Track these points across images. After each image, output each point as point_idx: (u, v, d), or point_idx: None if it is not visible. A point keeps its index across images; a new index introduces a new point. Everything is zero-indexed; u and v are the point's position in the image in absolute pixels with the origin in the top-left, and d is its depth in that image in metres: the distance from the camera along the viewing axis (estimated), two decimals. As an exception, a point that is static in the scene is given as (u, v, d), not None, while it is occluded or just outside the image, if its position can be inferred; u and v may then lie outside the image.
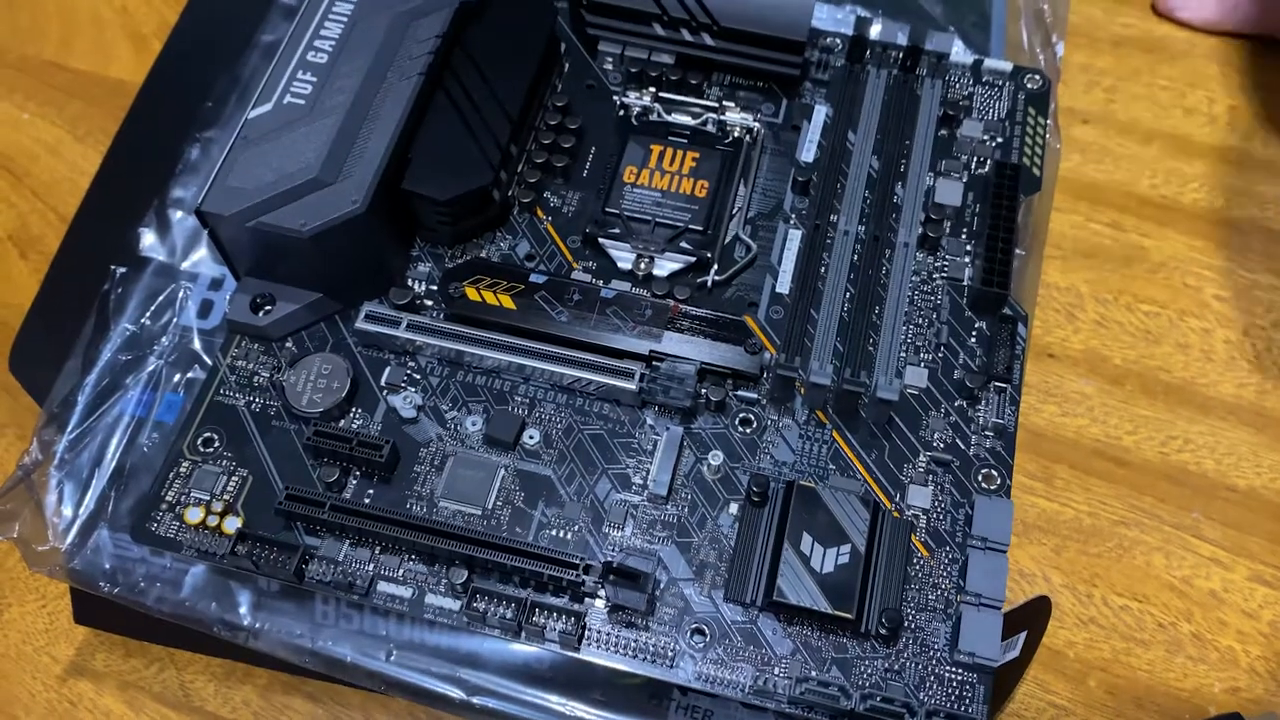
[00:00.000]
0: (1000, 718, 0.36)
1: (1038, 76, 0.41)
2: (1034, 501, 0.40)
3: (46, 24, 0.52)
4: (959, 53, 0.41)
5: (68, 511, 0.34)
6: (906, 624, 0.31)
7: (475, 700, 0.32)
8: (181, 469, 0.33)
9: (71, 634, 0.38)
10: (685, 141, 0.38)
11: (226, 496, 0.33)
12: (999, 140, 0.39)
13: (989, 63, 0.41)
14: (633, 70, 0.40)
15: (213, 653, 0.37)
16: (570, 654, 0.31)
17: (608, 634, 0.31)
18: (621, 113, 0.39)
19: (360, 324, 0.35)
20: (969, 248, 0.37)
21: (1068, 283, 0.44)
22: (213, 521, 0.32)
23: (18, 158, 0.48)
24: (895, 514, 0.33)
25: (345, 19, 0.36)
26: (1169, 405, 0.41)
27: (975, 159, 0.39)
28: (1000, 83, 0.41)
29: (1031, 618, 0.34)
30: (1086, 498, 0.40)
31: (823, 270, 0.36)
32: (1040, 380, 0.42)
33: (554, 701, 0.32)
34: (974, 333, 0.36)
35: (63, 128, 0.49)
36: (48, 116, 0.49)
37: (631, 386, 0.34)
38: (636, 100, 0.39)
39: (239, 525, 0.32)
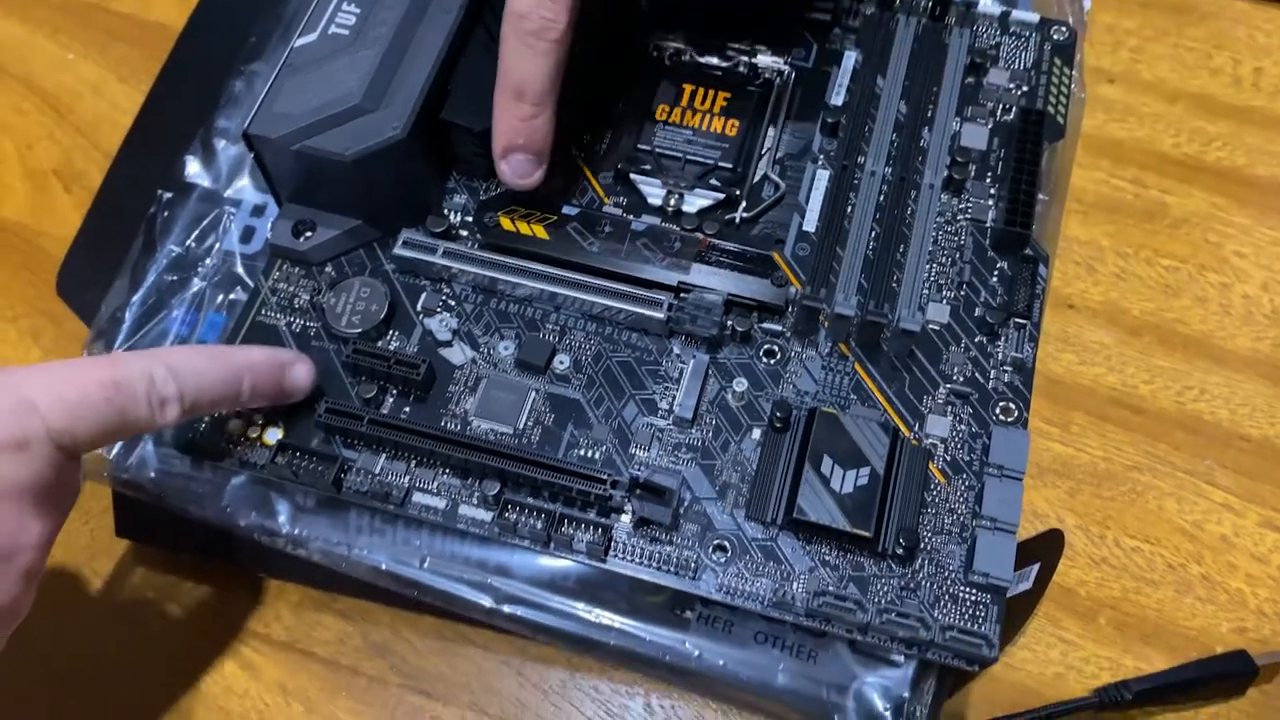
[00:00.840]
0: (1011, 650, 0.37)
1: (1064, 28, 0.41)
2: (1049, 446, 0.41)
3: (90, -34, 0.53)
4: (987, 3, 0.42)
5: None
6: (922, 545, 0.32)
7: (505, 608, 0.33)
8: (224, 383, 0.35)
9: (111, 549, 0.39)
10: (718, 81, 0.39)
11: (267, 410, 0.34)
12: (1024, 89, 0.40)
13: (1016, 14, 0.41)
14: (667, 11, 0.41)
15: (246, 568, 0.38)
16: (597, 564, 0.32)
17: (633, 546, 0.32)
18: (655, 53, 0.40)
19: (398, 249, 0.36)
20: (993, 191, 0.38)
21: (1089, 236, 0.45)
22: (254, 433, 0.34)
23: (62, 96, 0.49)
24: (914, 442, 0.33)
25: (389, -47, 0.37)
26: (1186, 356, 0.42)
27: (1001, 106, 0.40)
28: (1027, 33, 0.41)
29: (1044, 549, 0.35)
30: (1102, 443, 0.41)
31: (849, 210, 0.37)
32: (1059, 330, 0.43)
33: (580, 609, 0.33)
34: (995, 272, 0.36)
35: (106, 68, 0.50)
36: (91, 57, 0.50)
37: (660, 315, 0.35)
38: (670, 42, 0.40)
39: (280, 436, 0.33)
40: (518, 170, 0.35)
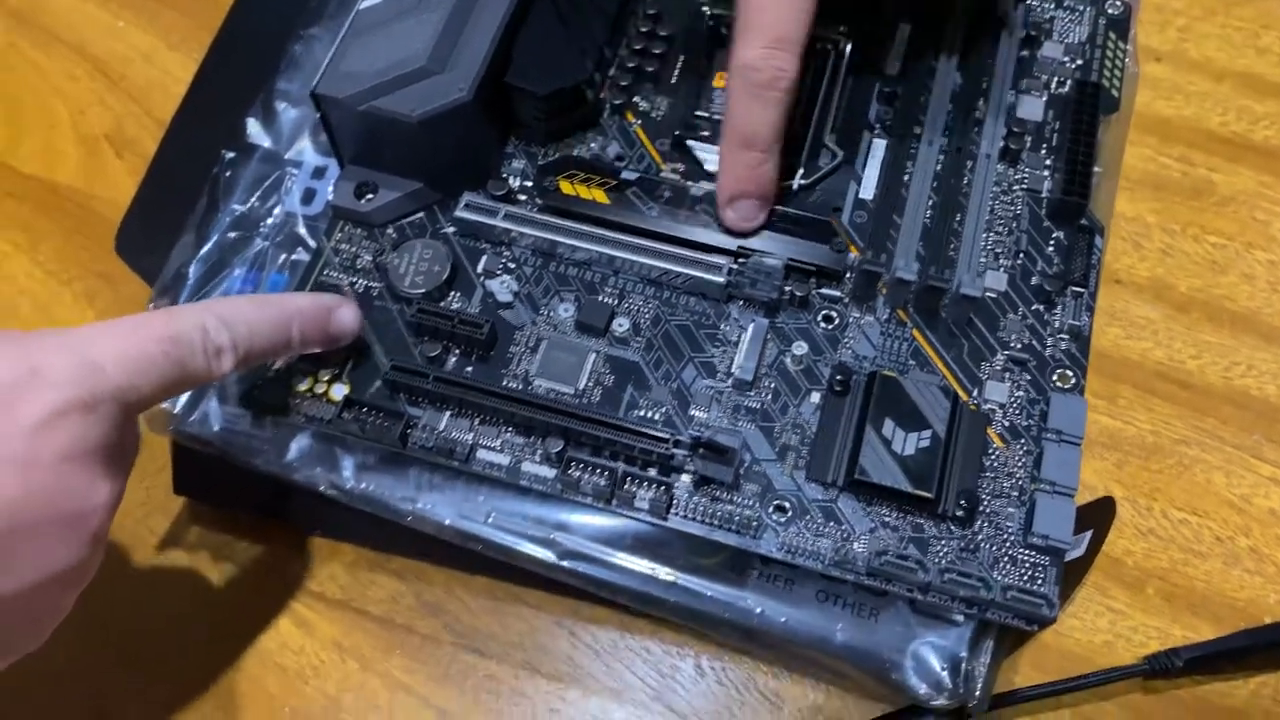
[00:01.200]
0: (1061, 617, 0.37)
1: (1119, 2, 0.41)
2: (1097, 419, 0.41)
3: (140, -64, 0.54)
4: (1042, -23, 0.42)
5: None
6: (982, 508, 0.32)
7: (567, 563, 0.34)
8: (289, 341, 0.35)
9: (168, 508, 0.40)
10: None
11: (333, 367, 0.35)
12: (1079, 62, 0.40)
13: (1072, -13, 0.42)
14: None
15: (302, 527, 0.39)
16: (658, 522, 0.32)
17: (694, 504, 0.33)
18: (711, 23, 0.40)
19: (460, 212, 0.36)
20: (1048, 162, 0.38)
21: (1135, 213, 0.45)
22: (320, 389, 0.34)
23: (113, 63, 0.50)
24: (973, 407, 0.34)
25: (453, -83, 0.37)
26: (1233, 333, 0.42)
27: (1056, 79, 0.40)
28: (1081, 7, 0.41)
29: (1097, 517, 0.36)
30: (1149, 417, 0.41)
31: (906, 179, 0.37)
32: (1106, 304, 0.43)
33: (642, 565, 0.33)
34: (1052, 242, 0.37)
35: (156, 36, 0.51)
36: (141, 25, 0.51)
37: (720, 279, 0.35)
38: (727, 10, 0.40)
39: (346, 392, 0.34)
40: (744, 215, 0.35)
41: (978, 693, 0.32)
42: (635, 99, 0.40)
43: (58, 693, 0.37)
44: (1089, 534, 0.35)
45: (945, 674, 0.32)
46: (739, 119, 0.34)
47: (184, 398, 0.36)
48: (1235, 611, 0.38)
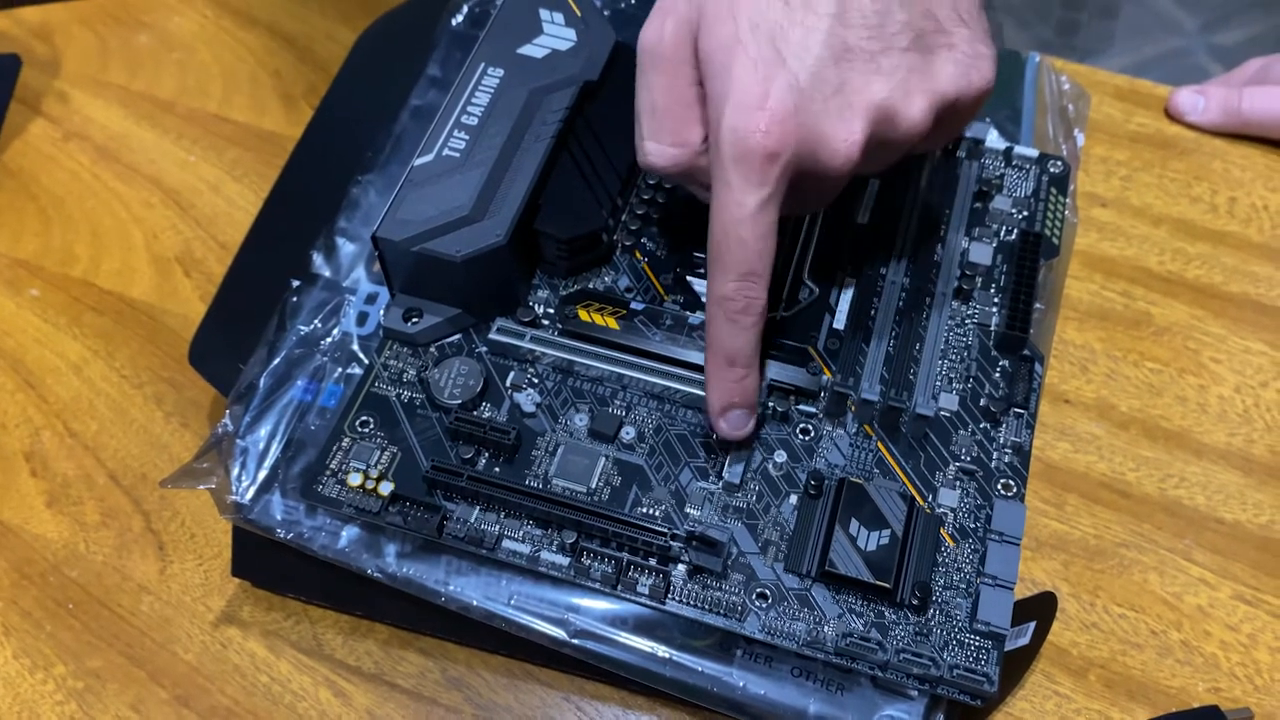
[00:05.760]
0: (1012, 700, 0.42)
1: (1059, 162, 0.48)
2: (1047, 523, 0.45)
3: (210, 83, 0.60)
4: (993, 140, 0.49)
5: (249, 472, 0.42)
6: (934, 597, 0.37)
7: (576, 641, 0.39)
8: (343, 443, 0.41)
9: (223, 589, 0.44)
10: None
11: (380, 466, 0.40)
12: (1025, 213, 0.47)
13: (1018, 149, 0.48)
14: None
15: (343, 609, 0.44)
16: (657, 606, 0.38)
17: (688, 590, 0.38)
18: (709, 176, 0.47)
19: (493, 335, 0.42)
20: (996, 300, 0.44)
21: (1083, 340, 0.50)
22: (370, 485, 0.40)
23: (184, 192, 0.56)
24: (928, 510, 0.39)
25: (492, 90, 0.44)
26: (1168, 448, 0.47)
27: (1004, 228, 0.46)
28: (1027, 166, 0.48)
29: (1039, 609, 0.40)
30: (1093, 522, 0.46)
31: (873, 312, 0.44)
32: (1056, 422, 0.48)
33: (643, 644, 0.38)
34: (998, 369, 0.43)
35: (222, 169, 0.57)
36: (210, 160, 0.57)
37: (712, 396, 0.41)
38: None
39: (392, 488, 0.40)
40: (735, 424, 0.38)
41: (932, 761, 0.37)
42: (643, 239, 0.46)
43: (122, 751, 0.41)
44: (1033, 625, 0.40)
45: (903, 743, 0.37)
46: (721, 342, 0.37)
47: (251, 490, 0.41)
48: (1168, 698, 0.42)
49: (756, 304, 0.36)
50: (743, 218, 0.34)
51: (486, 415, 0.42)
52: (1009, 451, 0.41)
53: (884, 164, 0.39)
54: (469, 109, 0.44)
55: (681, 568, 0.38)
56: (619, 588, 0.38)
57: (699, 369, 0.41)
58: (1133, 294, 0.51)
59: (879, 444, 0.41)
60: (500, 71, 0.45)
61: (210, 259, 0.54)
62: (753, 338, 0.37)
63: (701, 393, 0.41)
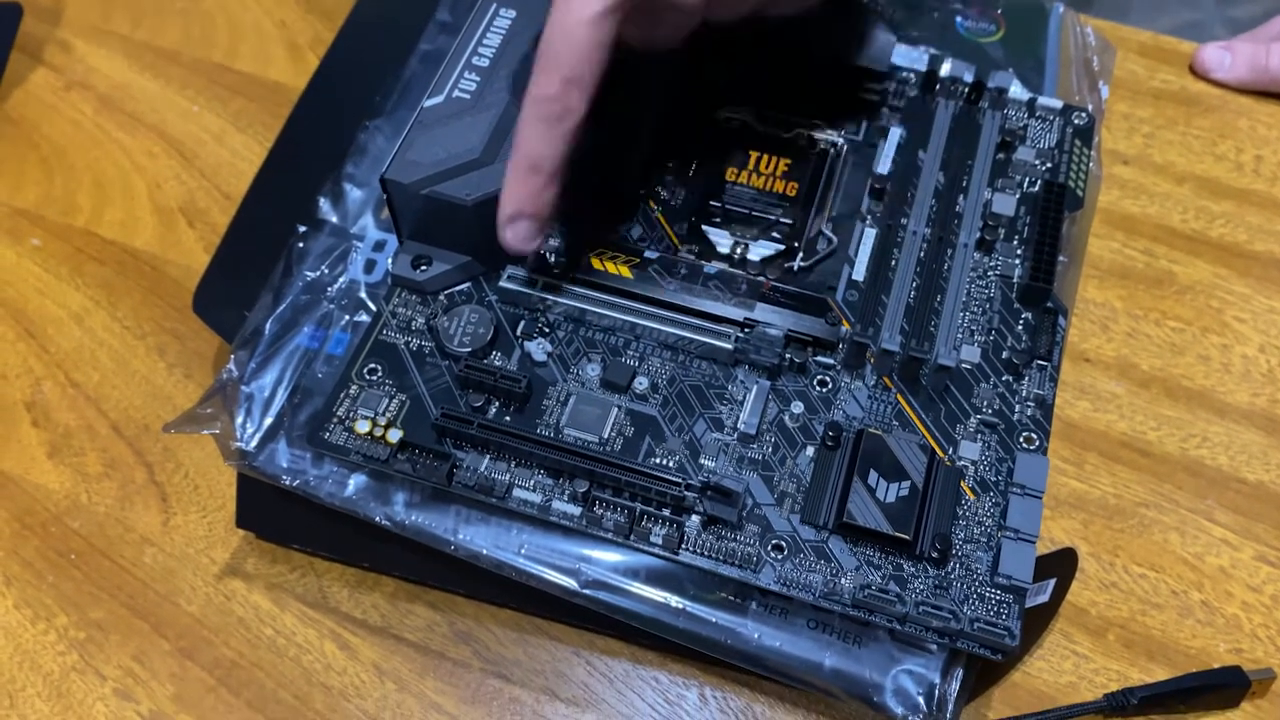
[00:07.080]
0: (1030, 659, 0.41)
1: (1084, 114, 0.47)
2: (1066, 482, 0.45)
3: (215, 33, 0.60)
4: (1017, 90, 0.48)
5: (254, 419, 0.41)
6: (954, 550, 0.37)
7: (588, 591, 0.38)
8: (350, 391, 0.40)
9: (227, 541, 0.44)
10: (780, 149, 0.45)
11: (388, 414, 0.40)
12: (1048, 165, 0.46)
13: (1042, 100, 0.47)
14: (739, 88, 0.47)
15: (349, 561, 0.43)
16: (670, 556, 0.37)
17: (702, 541, 0.37)
18: (727, 124, 0.46)
19: (503, 283, 0.42)
20: (1019, 252, 0.43)
21: (1103, 299, 0.50)
22: (378, 432, 0.39)
23: (188, 143, 0.55)
24: (948, 463, 0.38)
25: (504, 31, 0.43)
26: (1189, 408, 0.47)
27: (1027, 179, 0.45)
28: (1051, 117, 0.47)
29: (1060, 566, 0.40)
30: (1113, 481, 0.45)
31: (893, 263, 0.43)
32: (1076, 380, 0.47)
33: (655, 594, 0.38)
34: (1021, 321, 0.42)
35: (226, 120, 0.56)
36: (214, 110, 0.56)
37: (727, 346, 0.40)
38: (740, 115, 0.46)
39: (400, 436, 0.39)
40: (520, 235, 0.38)
41: (948, 716, 0.36)
42: (658, 188, 0.45)
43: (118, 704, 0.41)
44: (1053, 581, 0.39)
45: (920, 697, 0.36)
46: (529, 145, 0.36)
47: (256, 436, 0.41)
48: (1188, 658, 0.41)
49: (574, 113, 0.35)
50: (582, 19, 0.34)
51: (497, 364, 0.41)
52: (1031, 404, 0.40)
53: (736, 9, 0.38)
54: (480, 50, 0.43)
55: (696, 518, 0.37)
56: (632, 538, 0.37)
57: (713, 319, 0.41)
58: (1155, 252, 0.51)
59: (898, 396, 0.40)
60: (512, 13, 0.44)
61: (214, 210, 0.53)
62: (562, 148, 0.36)
63: (717, 342, 0.40)
